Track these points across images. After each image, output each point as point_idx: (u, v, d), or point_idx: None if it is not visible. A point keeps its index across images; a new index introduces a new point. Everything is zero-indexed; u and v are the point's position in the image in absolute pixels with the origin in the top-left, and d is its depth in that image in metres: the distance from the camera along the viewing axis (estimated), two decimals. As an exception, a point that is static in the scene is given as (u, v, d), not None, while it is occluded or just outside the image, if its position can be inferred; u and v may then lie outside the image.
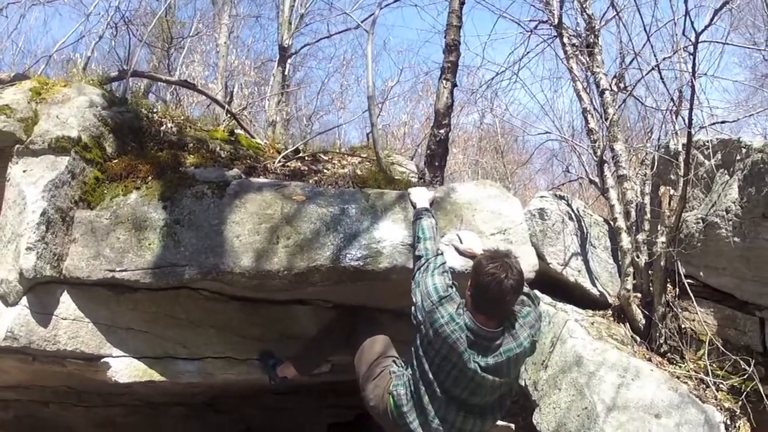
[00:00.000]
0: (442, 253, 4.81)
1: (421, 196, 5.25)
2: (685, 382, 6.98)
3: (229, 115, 7.83)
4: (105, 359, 5.33)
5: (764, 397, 6.82)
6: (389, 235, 5.12)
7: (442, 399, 4.47)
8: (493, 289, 4.18)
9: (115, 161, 5.72)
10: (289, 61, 18.02)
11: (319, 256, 4.97)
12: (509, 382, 4.61)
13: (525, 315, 4.53)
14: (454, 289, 4.52)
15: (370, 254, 5.02)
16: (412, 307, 4.56)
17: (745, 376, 7.03)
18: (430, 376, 4.45)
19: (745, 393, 6.95)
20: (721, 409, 6.69)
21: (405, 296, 5.17)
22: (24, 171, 5.24)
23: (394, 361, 4.94)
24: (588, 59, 9.48)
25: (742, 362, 7.06)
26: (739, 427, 6.76)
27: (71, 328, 5.18)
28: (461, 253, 5.17)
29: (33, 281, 5.02)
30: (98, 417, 7.05)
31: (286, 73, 17.71)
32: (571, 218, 8.58)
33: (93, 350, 5.26)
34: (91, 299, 5.27)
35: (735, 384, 7.10)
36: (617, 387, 6.52)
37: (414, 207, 5.19)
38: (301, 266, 4.95)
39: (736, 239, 7.07)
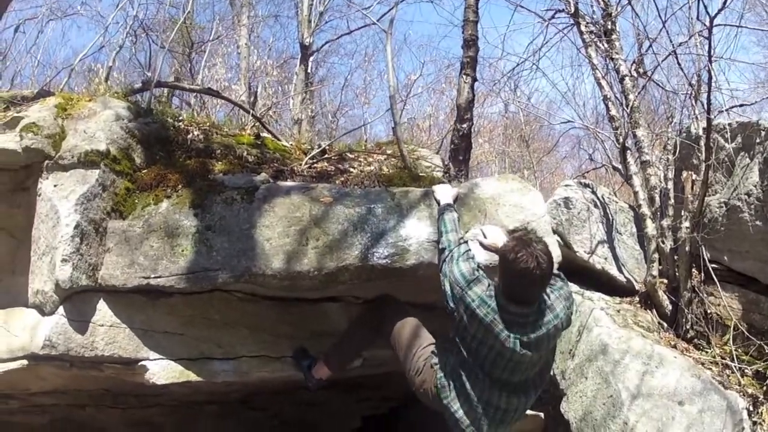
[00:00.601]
0: (465, 242, 5.00)
1: (445, 193, 5.43)
2: (710, 368, 7.02)
3: (252, 119, 8.01)
4: (142, 362, 5.52)
5: None
6: (415, 232, 5.30)
7: (485, 383, 4.67)
8: (524, 280, 4.39)
9: (144, 171, 5.93)
10: (311, 58, 18.17)
11: (347, 255, 5.16)
12: (547, 356, 4.81)
13: (558, 288, 4.77)
14: (480, 271, 4.72)
15: (397, 252, 5.20)
16: (445, 299, 4.74)
17: (769, 361, 7.13)
18: (470, 361, 4.65)
19: (769, 378, 7.04)
20: (744, 395, 6.72)
21: (433, 291, 5.37)
22: (55, 186, 5.44)
23: (432, 352, 5.07)
24: (606, 46, 9.57)
25: (766, 347, 7.08)
26: (762, 413, 6.74)
27: (108, 334, 5.38)
28: (485, 247, 5.32)
29: (69, 291, 5.22)
30: (134, 418, 7.24)
31: (308, 70, 17.87)
32: (596, 206, 8.64)
33: (130, 354, 5.46)
34: (127, 306, 5.48)
35: (760, 369, 7.11)
36: (642, 375, 6.56)
37: (438, 204, 5.38)
38: (331, 266, 5.14)
39: (758, 222, 7.14)
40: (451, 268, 4.74)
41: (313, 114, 18.69)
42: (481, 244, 5.38)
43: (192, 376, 5.62)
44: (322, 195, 5.47)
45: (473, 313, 4.53)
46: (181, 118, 7.15)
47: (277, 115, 17.04)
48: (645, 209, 8.23)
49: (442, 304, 5.02)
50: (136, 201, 5.69)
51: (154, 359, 5.56)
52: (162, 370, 5.56)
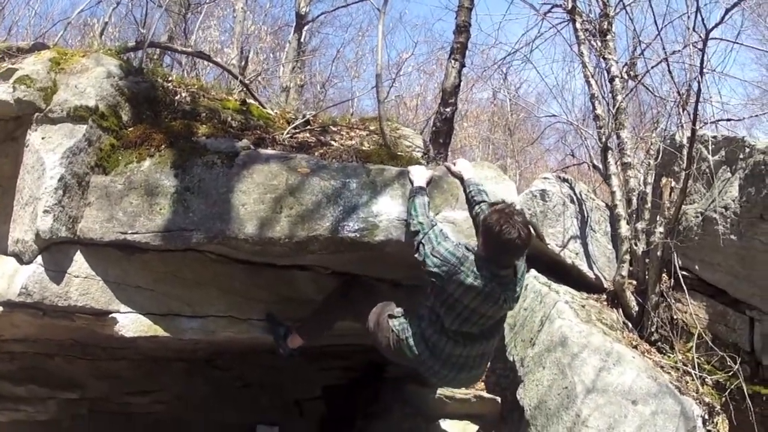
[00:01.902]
0: (435, 224, 5.34)
1: (420, 175, 5.73)
2: (669, 373, 7.29)
3: (240, 85, 8.27)
4: (113, 315, 5.74)
5: (747, 396, 7.15)
6: (386, 209, 5.57)
7: (451, 337, 5.27)
8: (508, 249, 4.96)
9: (130, 129, 6.15)
10: (305, 27, 18.27)
11: (318, 226, 5.42)
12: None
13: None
14: (462, 246, 5.16)
15: (367, 227, 5.47)
16: (431, 275, 5.12)
17: (730, 373, 7.36)
18: (441, 321, 5.21)
19: (729, 390, 7.27)
20: (700, 402, 6.98)
21: (401, 268, 5.85)
22: (43, 138, 5.67)
23: (400, 317, 5.50)
24: (600, 45, 9.83)
25: (728, 359, 7.38)
26: (717, 423, 7.04)
27: (83, 285, 5.60)
28: (452, 173, 5.95)
29: (48, 242, 5.45)
30: (101, 370, 7.42)
31: (301, 39, 17.99)
32: (572, 201, 8.91)
33: (102, 306, 5.68)
34: (102, 259, 5.71)
35: (720, 380, 7.42)
36: (598, 370, 6.80)
37: (412, 184, 5.67)
38: (302, 235, 5.41)
39: (732, 237, 7.40)
40: (434, 249, 5.10)
41: (302, 83, 18.85)
42: (449, 170, 5.98)
43: (160, 331, 5.86)
44: (300, 165, 5.69)
45: (470, 285, 4.98)
46: (170, 79, 7.33)
47: (266, 81, 17.25)
48: (621, 210, 8.50)
49: (409, 282, 5.49)
50: (120, 158, 5.88)
51: (125, 312, 5.78)
52: (131, 324, 5.79)
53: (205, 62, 12.33)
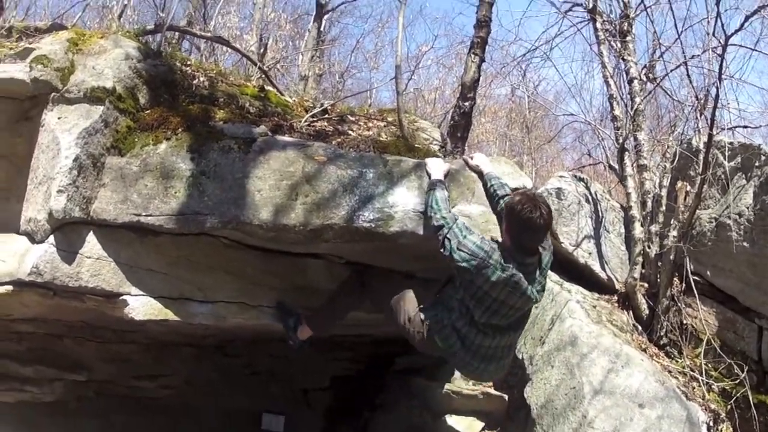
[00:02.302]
0: (458, 218, 5.38)
1: (437, 167, 5.77)
2: (676, 377, 7.28)
3: (259, 71, 8.30)
4: (123, 297, 5.80)
5: (752, 405, 7.14)
6: (402, 200, 5.60)
7: (480, 329, 5.33)
8: (530, 228, 5.00)
9: (147, 112, 6.20)
10: (325, 17, 18.40)
11: (333, 215, 5.45)
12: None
13: (549, 243, 5.44)
14: (487, 239, 5.22)
15: (382, 217, 5.50)
16: (459, 271, 5.17)
17: (737, 381, 7.35)
18: (470, 314, 5.26)
19: (734, 398, 7.25)
20: (706, 409, 7.00)
21: (415, 260, 5.89)
22: (59, 118, 5.72)
23: (426, 310, 5.58)
24: (620, 46, 9.84)
25: (736, 366, 7.38)
26: (721, 430, 7.06)
27: (94, 266, 5.66)
28: (471, 167, 5.98)
29: (61, 221, 5.51)
30: (110, 352, 7.48)
31: (321, 28, 18.10)
32: (587, 201, 8.92)
33: (113, 288, 5.74)
34: (115, 240, 5.76)
35: (726, 387, 7.41)
36: (607, 372, 6.82)
37: (429, 177, 5.71)
38: (316, 223, 5.44)
39: (745, 244, 7.43)
40: (460, 243, 5.13)
41: (320, 72, 18.92)
42: (467, 164, 6.02)
43: (170, 315, 5.90)
44: (316, 153, 5.72)
45: (498, 277, 5.03)
46: (189, 63, 7.38)
47: (285, 69, 17.27)
48: (635, 212, 8.49)
49: (422, 275, 5.54)
50: (136, 140, 5.93)
51: (135, 295, 5.83)
52: (141, 306, 5.84)
53: (224, 48, 12.36)
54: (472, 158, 6.09)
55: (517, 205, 4.97)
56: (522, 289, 5.10)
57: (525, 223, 4.95)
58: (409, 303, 5.71)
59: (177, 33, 10.34)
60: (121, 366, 7.72)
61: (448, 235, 5.19)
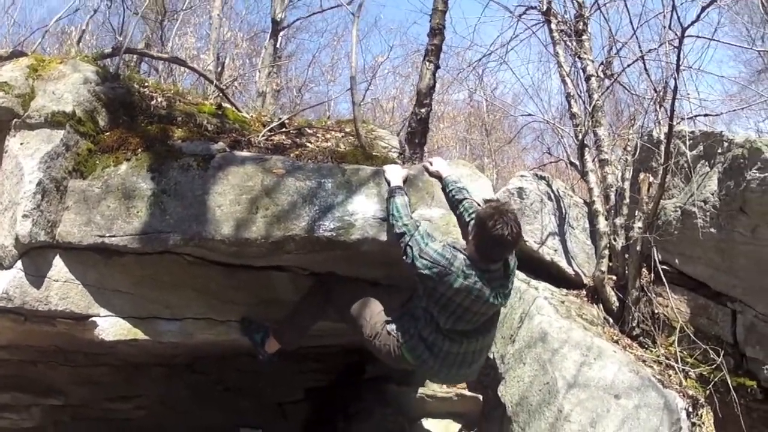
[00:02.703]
0: (420, 224, 5.46)
1: (395, 174, 5.84)
2: (651, 367, 7.36)
3: (216, 89, 8.38)
4: (93, 318, 5.85)
5: (731, 389, 7.24)
6: (362, 208, 5.66)
7: (446, 335, 5.39)
8: (499, 244, 5.10)
9: (107, 134, 6.24)
10: (281, 33, 18.45)
11: (294, 226, 5.51)
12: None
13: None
14: (449, 246, 5.29)
15: (343, 226, 5.56)
16: (421, 278, 5.25)
17: (714, 366, 7.45)
18: (435, 321, 5.33)
19: (713, 382, 7.36)
20: (684, 395, 7.05)
21: (378, 267, 5.95)
22: (21, 144, 5.75)
23: (386, 319, 5.68)
24: (576, 45, 9.98)
25: (711, 351, 7.49)
26: (701, 415, 7.12)
27: (62, 289, 5.70)
28: (431, 174, 6.05)
29: (28, 246, 5.52)
30: (82, 376, 7.49)
31: (277, 45, 18.17)
32: (550, 198, 8.96)
33: (82, 310, 5.79)
34: (81, 262, 5.80)
35: (704, 373, 7.51)
36: (579, 365, 6.87)
37: (388, 184, 5.78)
38: (278, 235, 5.49)
39: (712, 230, 7.53)
40: (422, 251, 5.20)
41: (278, 88, 19.02)
42: (427, 170, 6.10)
43: (139, 335, 5.96)
44: (275, 166, 5.79)
45: (460, 284, 5.12)
46: (146, 84, 7.44)
47: (243, 87, 17.41)
48: (598, 206, 8.60)
49: (387, 281, 5.65)
50: (97, 162, 5.99)
51: (104, 316, 5.88)
52: (111, 327, 5.89)
53: (182, 68, 12.48)
54: (431, 164, 6.17)
55: (488, 220, 5.04)
56: (485, 296, 5.18)
57: (496, 239, 5.04)
58: (375, 316, 5.77)
59: (135, 55, 10.44)
60: (94, 389, 7.73)
61: (409, 243, 5.28)
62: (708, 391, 7.39)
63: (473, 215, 5.45)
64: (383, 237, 5.67)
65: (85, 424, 8.02)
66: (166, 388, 8.25)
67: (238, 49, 18.62)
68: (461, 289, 5.12)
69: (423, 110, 7.28)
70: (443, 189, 5.97)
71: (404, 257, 5.29)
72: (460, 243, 5.46)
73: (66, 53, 7.91)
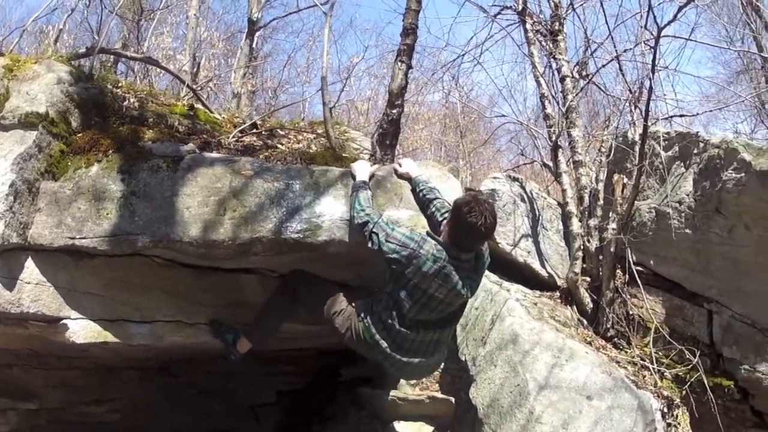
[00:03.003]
0: (382, 214, 5.60)
1: (362, 169, 5.92)
2: (625, 368, 7.43)
3: (189, 90, 8.42)
4: (64, 321, 5.87)
5: (707, 389, 7.33)
6: (329, 210, 5.69)
7: (409, 324, 5.47)
8: (472, 232, 5.20)
9: (79, 135, 6.28)
10: (257, 33, 18.48)
11: (261, 228, 5.53)
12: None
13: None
14: (417, 232, 5.42)
15: (310, 227, 5.59)
16: (389, 263, 5.32)
17: (690, 366, 7.54)
18: (398, 308, 5.41)
19: (689, 383, 7.44)
20: (659, 396, 7.09)
21: (346, 269, 6.00)
22: None
23: (353, 307, 5.77)
24: (551, 46, 10.05)
25: (687, 352, 7.59)
26: (677, 415, 7.18)
27: (34, 291, 5.73)
28: (400, 176, 6.10)
29: (0, 248, 5.55)
30: (56, 379, 7.51)
31: (253, 45, 18.20)
32: (523, 200, 9.08)
33: (53, 312, 5.82)
34: (52, 264, 5.83)
35: (680, 373, 7.60)
36: (551, 367, 6.93)
37: (354, 180, 5.85)
38: (245, 237, 5.52)
39: (687, 230, 7.65)
40: (389, 235, 5.30)
41: (253, 89, 19.06)
42: (396, 172, 6.15)
43: (110, 337, 5.99)
44: (243, 168, 5.81)
45: (429, 268, 5.21)
46: (120, 84, 7.47)
47: (218, 88, 17.44)
48: (572, 207, 8.67)
49: (355, 282, 5.72)
50: (69, 163, 6.03)
51: (75, 318, 5.91)
52: (82, 330, 5.92)
53: (159, 69, 12.49)
54: (400, 165, 6.22)
55: (464, 206, 5.15)
56: (452, 282, 5.27)
57: (468, 226, 5.13)
58: (343, 302, 5.86)
59: (112, 55, 10.47)
60: (69, 392, 7.76)
61: (374, 230, 5.35)
62: (684, 392, 7.45)
63: (446, 215, 5.54)
64: (348, 237, 5.71)
65: (60, 427, 8.05)
66: (138, 391, 8.28)
67: (214, 49, 18.67)
68: (429, 273, 5.21)
69: (394, 111, 7.27)
70: (413, 189, 6.03)
71: (369, 244, 5.37)
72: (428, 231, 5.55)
73: (43, 53, 7.92)
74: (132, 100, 7.15)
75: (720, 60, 26.01)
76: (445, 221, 5.48)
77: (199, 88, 8.59)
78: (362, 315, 5.63)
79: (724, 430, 7.51)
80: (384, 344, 5.56)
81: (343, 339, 5.86)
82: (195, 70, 10.91)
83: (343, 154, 6.75)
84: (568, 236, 9.02)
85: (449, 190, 6.29)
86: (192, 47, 17.29)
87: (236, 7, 40.80)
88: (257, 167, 5.91)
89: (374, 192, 5.88)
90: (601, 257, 8.30)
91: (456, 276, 5.27)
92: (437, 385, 7.96)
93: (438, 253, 5.23)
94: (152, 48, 15.53)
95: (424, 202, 5.89)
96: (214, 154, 6.19)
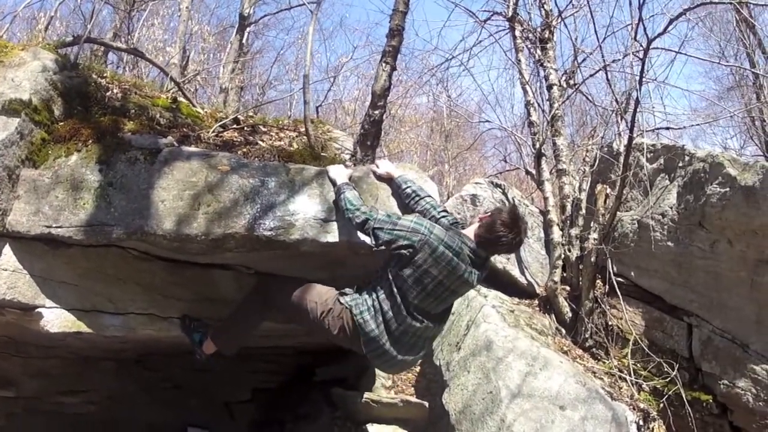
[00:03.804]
0: (377, 209, 5.71)
1: (339, 173, 6.00)
2: (601, 378, 7.54)
3: (174, 83, 8.55)
4: (39, 309, 5.94)
5: (685, 402, 7.40)
6: (303, 208, 5.79)
7: (408, 313, 5.56)
8: (497, 243, 5.58)
9: (61, 124, 6.36)
10: (248, 29, 18.57)
11: (235, 224, 5.61)
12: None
13: None
14: (424, 219, 5.63)
15: (283, 225, 5.68)
16: (401, 249, 5.45)
17: (668, 380, 7.64)
18: (400, 295, 5.52)
19: (667, 396, 7.54)
20: (634, 408, 7.23)
21: (322, 269, 6.10)
22: None
23: (339, 295, 5.83)
24: (540, 54, 10.20)
25: (666, 365, 7.68)
26: (653, 428, 7.31)
27: (11, 278, 5.80)
28: (379, 177, 6.23)
29: None
30: (34, 368, 7.60)
31: (243, 41, 18.29)
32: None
33: (29, 300, 5.88)
34: (29, 252, 5.91)
35: (658, 386, 7.71)
36: (524, 375, 7.04)
37: (334, 184, 5.92)
38: (218, 232, 5.60)
39: (669, 243, 7.75)
40: (396, 224, 5.50)
41: (241, 85, 19.15)
42: (375, 173, 6.26)
43: (83, 327, 6.06)
44: (220, 163, 5.90)
45: (441, 252, 5.42)
46: (104, 74, 7.56)
47: (206, 82, 17.55)
48: (553, 215, 8.80)
49: (332, 284, 5.87)
50: (50, 152, 6.12)
51: (50, 307, 5.98)
52: (56, 319, 5.99)
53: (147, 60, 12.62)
54: (378, 167, 6.34)
55: (500, 220, 5.52)
56: (461, 270, 5.47)
57: (498, 237, 5.49)
58: (325, 293, 5.89)
59: (95, 45, 10.56)
60: (46, 382, 7.84)
61: (376, 226, 5.48)
62: (662, 405, 7.57)
63: (443, 213, 5.85)
64: (323, 238, 5.80)
65: (37, 416, 8.11)
66: (114, 383, 8.36)
67: (204, 43, 18.76)
68: (441, 257, 5.39)
69: (377, 112, 7.33)
70: (397, 188, 6.17)
71: (372, 242, 5.55)
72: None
73: (33, 39, 8.03)
74: (115, 90, 7.24)
75: (712, 75, 26.43)
76: (483, 216, 5.73)
77: (186, 82, 8.69)
78: (355, 310, 5.67)
79: (701, 444, 7.50)
80: (382, 340, 5.64)
81: (335, 339, 5.92)
82: (184, 63, 10.99)
83: (322, 154, 6.84)
84: (548, 245, 9.14)
85: (426, 192, 6.42)
86: (182, 40, 17.39)
87: (229, 1, 40.91)
88: (234, 163, 5.99)
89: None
90: (581, 267, 8.40)
91: (464, 265, 5.47)
92: (413, 388, 8.04)
93: (449, 240, 5.44)
94: (142, 39, 15.64)
95: (411, 198, 6.04)
96: (192, 148, 6.27)
